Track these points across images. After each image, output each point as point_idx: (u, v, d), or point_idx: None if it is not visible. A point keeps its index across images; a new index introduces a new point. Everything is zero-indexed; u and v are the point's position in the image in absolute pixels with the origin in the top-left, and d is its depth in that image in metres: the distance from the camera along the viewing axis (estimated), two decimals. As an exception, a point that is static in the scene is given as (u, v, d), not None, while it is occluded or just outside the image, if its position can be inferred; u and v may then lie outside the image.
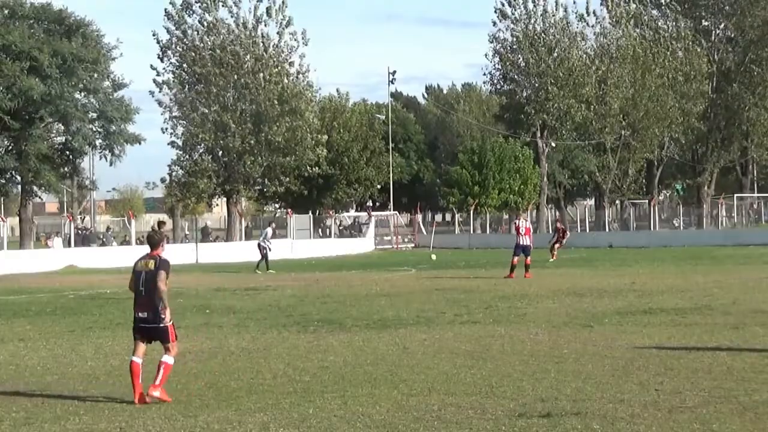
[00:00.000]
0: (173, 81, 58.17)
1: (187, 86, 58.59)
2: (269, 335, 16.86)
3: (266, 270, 37.55)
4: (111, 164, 54.61)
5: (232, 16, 58.04)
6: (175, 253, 41.39)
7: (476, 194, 69.05)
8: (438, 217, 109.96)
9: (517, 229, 31.74)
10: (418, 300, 22.98)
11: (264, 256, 38.65)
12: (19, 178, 53.49)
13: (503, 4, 68.88)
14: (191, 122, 57.52)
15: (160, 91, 57.87)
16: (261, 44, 58.55)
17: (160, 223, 13.91)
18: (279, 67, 58.26)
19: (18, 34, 49.15)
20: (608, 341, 14.90)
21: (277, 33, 58.87)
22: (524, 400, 10.51)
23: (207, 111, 56.95)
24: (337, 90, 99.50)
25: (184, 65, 58.07)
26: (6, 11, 51.71)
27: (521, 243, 30.71)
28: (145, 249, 11.39)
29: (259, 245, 39.66)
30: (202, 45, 57.65)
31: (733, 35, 73.37)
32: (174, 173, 61.01)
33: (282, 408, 10.40)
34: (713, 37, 73.96)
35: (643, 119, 68.98)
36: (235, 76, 57.40)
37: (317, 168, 62.06)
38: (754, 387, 10.91)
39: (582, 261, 40.47)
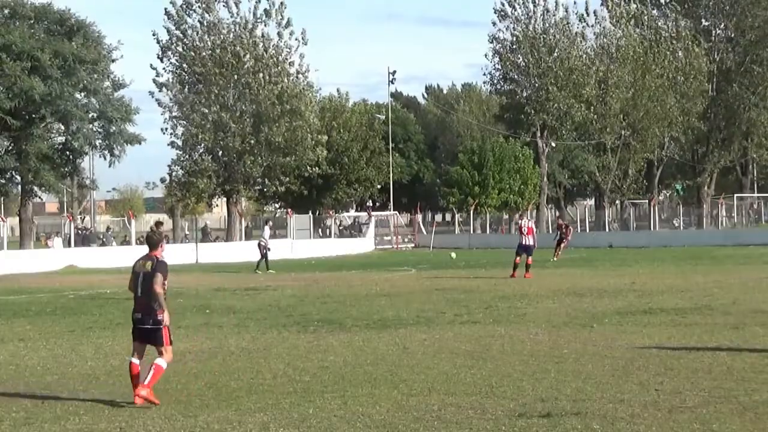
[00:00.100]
0: (173, 81, 58.16)
1: (187, 86, 58.55)
2: (269, 335, 16.86)
3: (266, 270, 37.62)
4: (110, 165, 54.69)
5: (232, 16, 58.12)
6: (175, 253, 41.50)
7: (476, 194, 69.06)
8: (438, 217, 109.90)
9: (520, 228, 31.78)
10: (418, 300, 22.99)
11: (264, 256, 38.73)
12: (19, 178, 53.43)
13: (503, 4, 68.96)
14: (191, 122, 57.47)
15: (159, 91, 57.97)
16: (261, 44, 58.51)
17: (158, 224, 13.88)
18: (279, 67, 58.22)
19: (19, 34, 49.12)
20: (608, 341, 14.90)
21: (277, 33, 58.90)
22: (524, 400, 10.50)
23: (207, 111, 56.87)
24: (337, 90, 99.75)
25: (184, 65, 58.03)
26: (7, 11, 51.65)
27: (524, 242, 30.75)
28: (145, 249, 11.39)
29: (259, 244, 39.77)
30: (202, 45, 57.61)
31: (733, 35, 73.26)
32: (174, 173, 61.00)
33: (282, 408, 10.39)
34: (713, 37, 73.86)
35: (643, 119, 68.92)
36: (235, 76, 57.38)
37: (317, 168, 62.02)
38: (754, 387, 10.91)
39: (582, 261, 40.44)
